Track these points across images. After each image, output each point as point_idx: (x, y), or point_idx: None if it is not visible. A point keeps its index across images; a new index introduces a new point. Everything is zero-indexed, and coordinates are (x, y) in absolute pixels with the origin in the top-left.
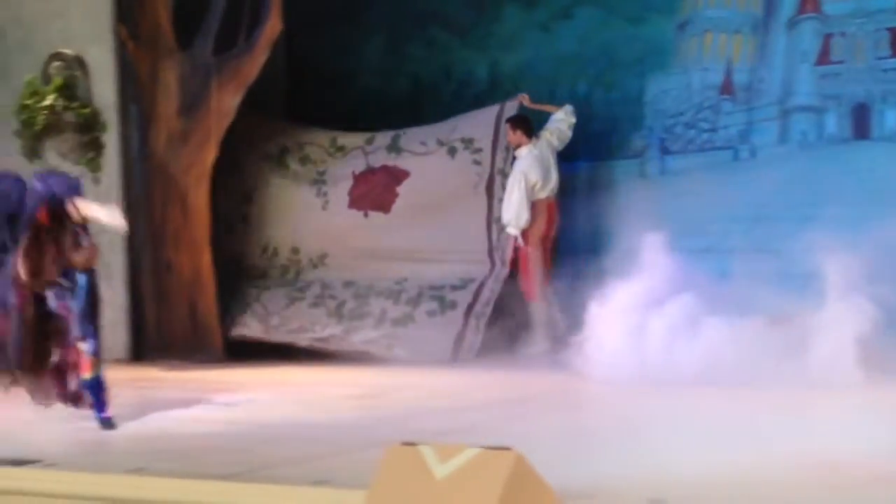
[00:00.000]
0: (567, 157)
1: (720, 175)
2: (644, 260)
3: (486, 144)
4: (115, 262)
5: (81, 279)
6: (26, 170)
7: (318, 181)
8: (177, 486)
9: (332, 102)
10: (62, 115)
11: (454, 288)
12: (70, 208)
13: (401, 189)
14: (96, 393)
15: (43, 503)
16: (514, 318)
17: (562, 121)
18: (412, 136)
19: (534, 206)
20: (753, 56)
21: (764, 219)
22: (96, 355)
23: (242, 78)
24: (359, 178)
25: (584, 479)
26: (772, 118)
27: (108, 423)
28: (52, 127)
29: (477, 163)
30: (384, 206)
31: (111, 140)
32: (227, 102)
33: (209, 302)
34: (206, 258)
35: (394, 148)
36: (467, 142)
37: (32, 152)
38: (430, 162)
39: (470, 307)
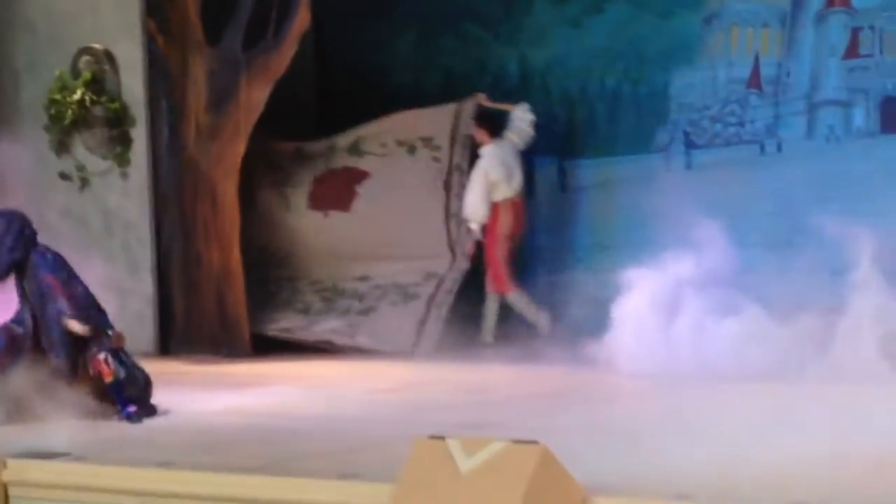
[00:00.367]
0: (593, 153)
1: (746, 169)
2: (669, 254)
3: (444, 142)
4: (143, 256)
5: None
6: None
7: (280, 183)
8: (205, 480)
9: (365, 97)
10: (91, 110)
11: (417, 285)
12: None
13: (360, 188)
14: (119, 393)
15: (72, 496)
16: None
17: (521, 119)
18: (372, 138)
19: (499, 205)
20: (781, 50)
21: (790, 212)
22: (109, 361)
23: (271, 72)
24: (318, 180)
25: (611, 474)
26: (799, 112)
27: (131, 418)
28: (81, 121)
29: (436, 160)
30: (344, 205)
31: (140, 135)
32: (255, 96)
33: (238, 295)
34: (235, 252)
35: (354, 150)
36: (426, 140)
37: (61, 146)
38: (390, 162)
39: (431, 297)
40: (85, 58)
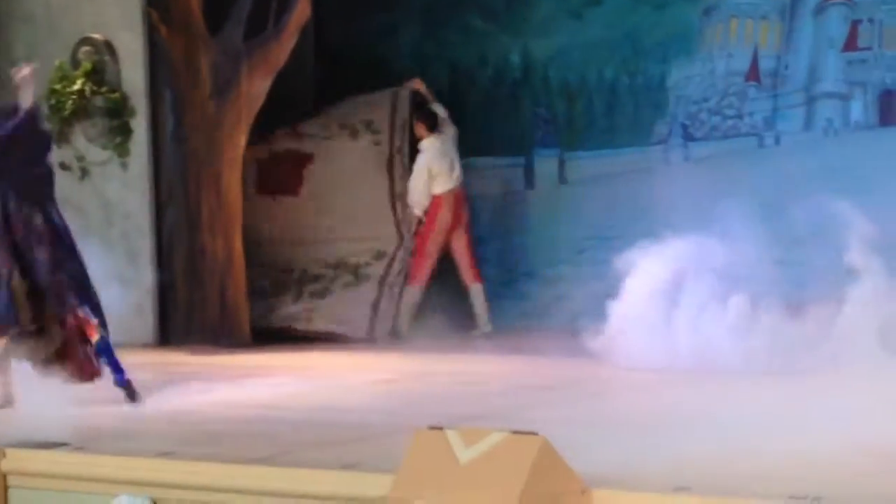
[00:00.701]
0: (592, 145)
1: (745, 162)
2: (668, 246)
3: (384, 126)
4: (142, 246)
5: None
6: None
7: None
8: (205, 470)
9: (371, 89)
10: (91, 100)
11: (368, 265)
12: None
13: (306, 172)
14: (109, 355)
15: (71, 486)
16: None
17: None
18: (313, 122)
19: (441, 197)
20: (780, 42)
21: (788, 205)
22: (98, 317)
23: (270, 64)
24: (262, 164)
25: (609, 465)
26: (797, 105)
27: (127, 386)
28: (81, 111)
29: (377, 143)
30: (293, 189)
31: (140, 125)
32: (256, 87)
33: (239, 286)
34: (238, 242)
35: (295, 133)
36: (367, 123)
37: (61, 137)
38: (333, 145)
39: (383, 278)
40: (85, 48)
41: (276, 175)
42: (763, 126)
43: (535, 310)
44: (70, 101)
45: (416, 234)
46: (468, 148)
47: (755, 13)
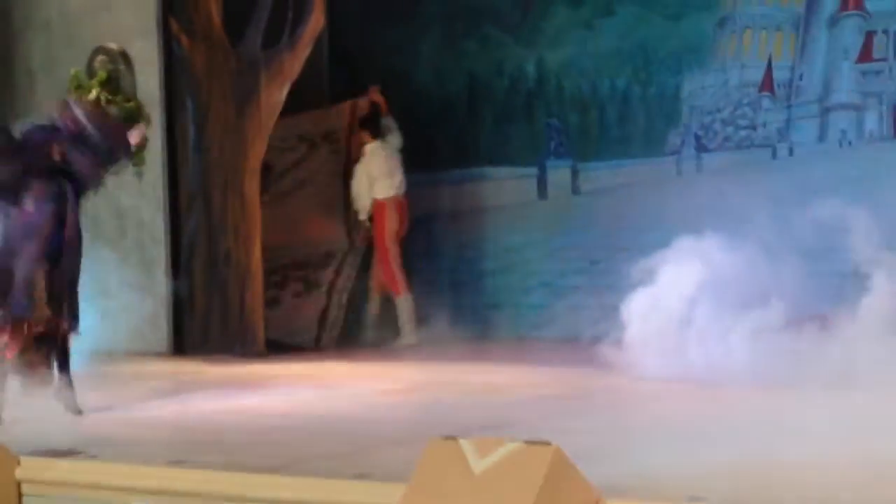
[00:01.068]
0: (605, 156)
1: (758, 173)
2: (681, 257)
3: (342, 134)
4: (158, 255)
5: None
6: None
7: None
8: (217, 479)
9: (386, 100)
10: (106, 109)
11: (317, 268)
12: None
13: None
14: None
15: (84, 494)
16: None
17: (391, 127)
18: (273, 133)
19: (385, 203)
20: (794, 53)
21: (802, 216)
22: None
23: (286, 74)
24: None
25: (624, 476)
26: (811, 116)
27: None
28: None
29: (335, 152)
30: None
31: (155, 134)
32: (274, 97)
33: (257, 294)
34: (258, 250)
35: None
36: (327, 135)
37: None
38: (290, 156)
39: (332, 284)
40: (100, 57)
41: None
42: (777, 137)
43: (548, 320)
44: None
45: (370, 243)
46: (482, 158)
47: (769, 24)
